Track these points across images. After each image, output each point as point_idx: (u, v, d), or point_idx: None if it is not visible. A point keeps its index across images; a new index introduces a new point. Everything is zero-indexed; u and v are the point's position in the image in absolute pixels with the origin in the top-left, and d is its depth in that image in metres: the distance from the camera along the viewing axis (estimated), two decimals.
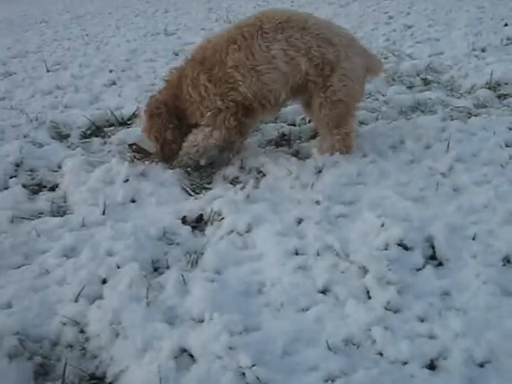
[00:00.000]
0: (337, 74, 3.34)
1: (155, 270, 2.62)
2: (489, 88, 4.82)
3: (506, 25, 7.68)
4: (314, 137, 3.97)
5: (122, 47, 7.93)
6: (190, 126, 3.62)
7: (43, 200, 3.32)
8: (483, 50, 6.28)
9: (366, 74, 3.53)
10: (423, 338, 2.10)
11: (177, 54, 7.06)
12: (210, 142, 3.66)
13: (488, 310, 2.20)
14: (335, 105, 3.38)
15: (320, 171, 3.36)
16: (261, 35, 3.30)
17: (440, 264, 2.53)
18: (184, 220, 2.99)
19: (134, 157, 3.81)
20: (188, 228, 2.91)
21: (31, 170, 3.74)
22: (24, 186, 3.49)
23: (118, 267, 2.54)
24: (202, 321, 2.21)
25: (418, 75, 5.41)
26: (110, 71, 6.44)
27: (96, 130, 4.41)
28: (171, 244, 2.81)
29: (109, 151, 3.96)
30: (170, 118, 3.51)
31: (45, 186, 3.56)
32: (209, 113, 3.41)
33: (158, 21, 10.51)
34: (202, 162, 3.62)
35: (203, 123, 3.52)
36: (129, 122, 4.58)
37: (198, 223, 2.98)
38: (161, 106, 3.51)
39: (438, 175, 3.26)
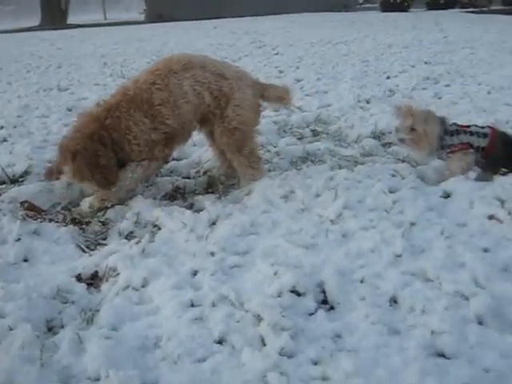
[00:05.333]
0: (231, 105, 3.74)
1: (49, 329, 2.54)
2: (374, 137, 5.11)
3: (388, 77, 8.24)
4: (207, 189, 4.06)
5: (13, 103, 7.73)
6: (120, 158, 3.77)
7: None
8: (368, 102, 6.66)
9: (259, 102, 3.96)
10: (317, 380, 2.16)
11: (70, 110, 6.96)
12: (147, 173, 3.86)
13: (377, 349, 2.30)
14: (232, 132, 3.78)
15: (214, 223, 3.43)
16: (172, 75, 3.68)
17: (331, 308, 2.62)
18: (79, 277, 2.95)
19: (27, 215, 3.72)
20: (83, 285, 2.87)
21: None
22: None
23: (11, 329, 2.46)
24: (98, 379, 2.17)
25: (308, 127, 5.67)
26: (1, 127, 6.26)
27: None
28: (66, 303, 2.74)
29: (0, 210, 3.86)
30: (97, 147, 3.62)
31: None
32: (146, 148, 3.71)
33: (50, 76, 10.35)
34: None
35: (141, 157, 3.75)
36: (20, 180, 4.47)
37: (93, 280, 2.95)
38: (80, 142, 3.61)
39: (328, 222, 3.39)
